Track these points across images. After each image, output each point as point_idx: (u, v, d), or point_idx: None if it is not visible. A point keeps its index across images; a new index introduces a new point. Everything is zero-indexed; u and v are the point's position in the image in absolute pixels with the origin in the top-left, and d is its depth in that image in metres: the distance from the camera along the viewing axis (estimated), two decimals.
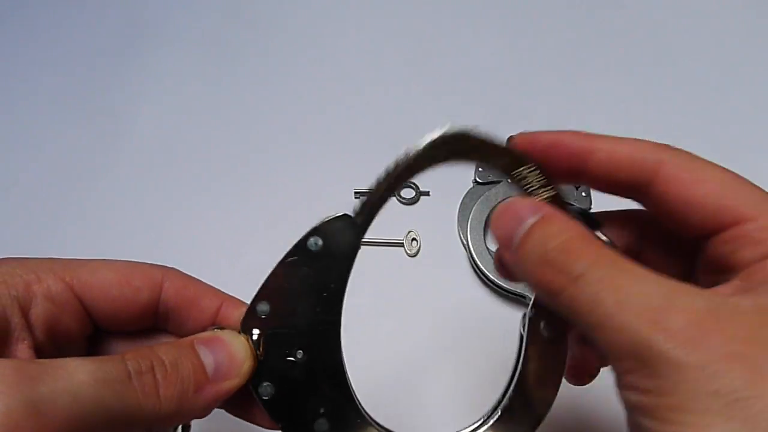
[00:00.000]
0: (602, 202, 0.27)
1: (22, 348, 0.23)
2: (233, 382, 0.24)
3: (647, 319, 0.18)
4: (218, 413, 0.29)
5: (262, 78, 0.58)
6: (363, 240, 0.26)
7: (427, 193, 0.49)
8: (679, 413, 0.17)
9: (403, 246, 0.47)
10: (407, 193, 0.49)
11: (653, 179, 0.23)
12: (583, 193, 0.45)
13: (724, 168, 0.22)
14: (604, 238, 0.26)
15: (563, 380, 0.27)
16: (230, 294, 0.28)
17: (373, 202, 0.25)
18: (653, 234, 0.26)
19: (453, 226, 0.47)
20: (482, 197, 0.47)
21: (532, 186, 0.25)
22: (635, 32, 0.59)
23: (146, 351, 0.22)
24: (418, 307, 0.44)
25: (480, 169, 0.47)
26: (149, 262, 0.28)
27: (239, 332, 0.25)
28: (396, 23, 0.61)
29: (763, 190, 0.22)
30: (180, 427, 0.27)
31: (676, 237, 0.24)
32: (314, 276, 0.25)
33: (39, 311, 0.24)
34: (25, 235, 0.49)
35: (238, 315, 0.26)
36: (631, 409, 0.19)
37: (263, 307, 0.25)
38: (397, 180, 0.25)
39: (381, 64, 0.58)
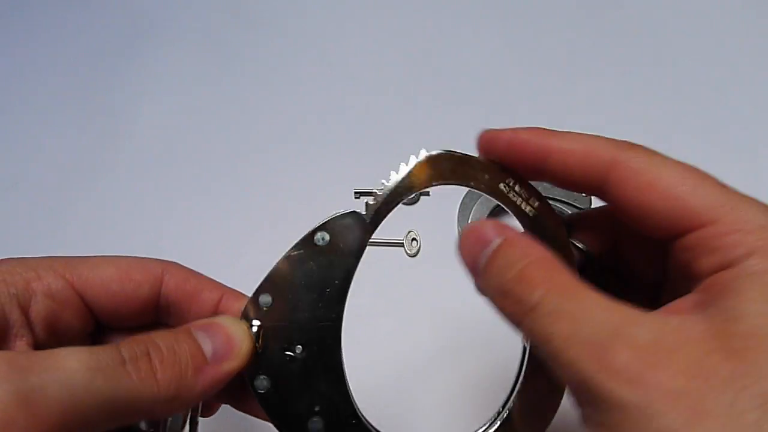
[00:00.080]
0: None
1: (21, 345, 0.23)
2: (232, 363, 0.24)
3: (592, 355, 0.18)
4: (224, 413, 0.29)
5: (262, 78, 0.58)
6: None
7: (427, 193, 0.49)
8: None
9: (403, 246, 0.47)
10: None
11: (606, 179, 0.22)
12: (583, 194, 0.45)
13: (684, 165, 0.21)
14: (579, 245, 0.25)
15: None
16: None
17: (380, 205, 0.25)
18: (631, 231, 0.26)
19: (453, 226, 0.47)
20: (482, 197, 0.47)
21: (516, 201, 0.25)
22: (635, 32, 0.59)
23: (141, 337, 0.22)
24: (418, 307, 0.44)
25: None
26: None
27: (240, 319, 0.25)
28: (396, 23, 0.61)
29: (727, 188, 0.20)
30: (188, 424, 0.27)
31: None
32: (318, 271, 0.25)
33: (39, 308, 0.24)
34: (25, 235, 0.49)
35: (238, 307, 0.26)
36: None
37: (265, 299, 0.25)
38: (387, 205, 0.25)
39: (381, 64, 0.58)
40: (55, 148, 0.54)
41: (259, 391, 0.25)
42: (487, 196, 0.25)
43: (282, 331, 0.25)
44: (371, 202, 0.25)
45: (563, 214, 0.27)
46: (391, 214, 0.26)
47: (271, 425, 0.26)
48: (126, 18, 0.63)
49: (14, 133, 0.55)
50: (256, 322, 0.25)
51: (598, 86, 0.55)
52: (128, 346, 0.21)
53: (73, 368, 0.19)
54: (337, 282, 0.25)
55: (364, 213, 0.25)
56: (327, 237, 0.25)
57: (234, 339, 0.24)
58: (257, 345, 0.25)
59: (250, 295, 0.26)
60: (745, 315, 0.18)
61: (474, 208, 0.46)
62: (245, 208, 0.49)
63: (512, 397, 0.27)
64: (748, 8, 0.59)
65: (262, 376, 0.25)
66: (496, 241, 0.22)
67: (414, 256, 0.47)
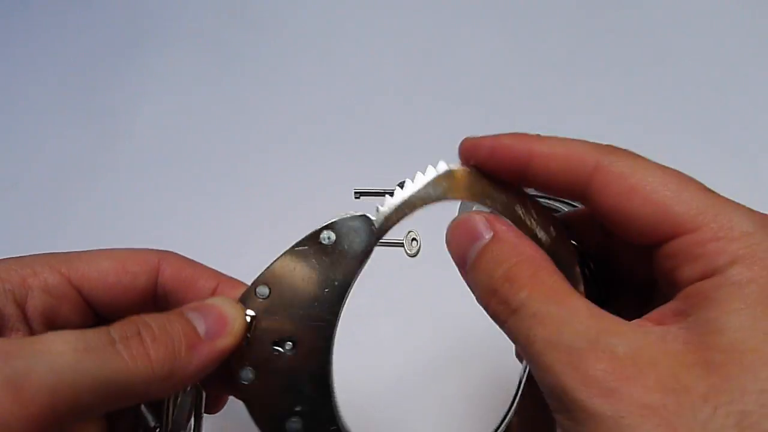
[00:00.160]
0: None
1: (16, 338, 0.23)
2: (226, 340, 0.24)
3: (569, 363, 0.18)
4: (230, 409, 0.29)
5: (261, 78, 0.58)
6: None
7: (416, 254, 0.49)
8: None
9: (403, 246, 0.47)
10: None
11: (589, 184, 0.21)
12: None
13: (669, 170, 0.20)
14: (573, 243, 0.25)
15: None
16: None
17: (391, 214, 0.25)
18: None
19: None
20: None
21: (531, 226, 0.24)
22: (635, 32, 0.59)
23: (132, 318, 0.22)
24: (418, 308, 0.44)
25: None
26: None
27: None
28: (396, 24, 0.61)
29: (712, 193, 0.20)
30: (193, 418, 0.26)
31: None
32: (320, 270, 0.25)
33: (36, 303, 0.24)
34: (25, 235, 0.49)
35: (234, 294, 0.26)
36: None
37: (263, 290, 0.25)
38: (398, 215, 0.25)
39: (381, 65, 0.58)
40: (55, 148, 0.54)
41: (243, 382, 0.25)
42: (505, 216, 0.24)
43: (275, 325, 0.25)
44: (382, 208, 0.25)
45: (558, 212, 0.27)
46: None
47: None
48: (126, 18, 0.63)
49: (14, 133, 0.56)
50: (250, 312, 0.25)
51: (598, 86, 0.55)
52: (118, 327, 0.21)
53: (59, 350, 0.19)
54: (336, 283, 0.25)
55: (373, 218, 0.25)
56: (333, 237, 0.25)
57: (227, 316, 0.24)
58: (248, 335, 0.25)
59: (247, 284, 0.26)
60: (725, 328, 0.17)
61: (474, 207, 0.46)
62: (245, 208, 0.49)
63: (511, 411, 0.26)
64: (748, 8, 0.59)
65: (248, 368, 0.25)
66: (486, 237, 0.21)
67: (414, 256, 0.47)
